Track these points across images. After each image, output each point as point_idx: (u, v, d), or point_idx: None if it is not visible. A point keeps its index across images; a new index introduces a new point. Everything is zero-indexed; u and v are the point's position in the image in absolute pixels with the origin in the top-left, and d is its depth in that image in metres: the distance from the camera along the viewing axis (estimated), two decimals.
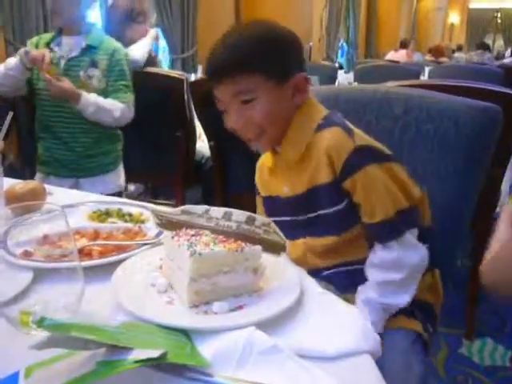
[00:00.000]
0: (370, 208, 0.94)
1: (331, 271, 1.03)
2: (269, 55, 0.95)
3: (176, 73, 2.72)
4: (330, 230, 0.99)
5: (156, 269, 0.84)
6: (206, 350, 0.62)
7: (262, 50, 0.95)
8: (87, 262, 0.84)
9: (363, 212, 0.95)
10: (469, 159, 1.16)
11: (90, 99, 2.08)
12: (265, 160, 1.09)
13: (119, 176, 2.35)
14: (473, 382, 1.89)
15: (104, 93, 2.14)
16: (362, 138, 0.96)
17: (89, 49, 2.12)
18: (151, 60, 2.77)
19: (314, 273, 0.94)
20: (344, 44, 9.92)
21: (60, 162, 2.19)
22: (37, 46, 2.12)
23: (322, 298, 0.78)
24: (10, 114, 1.17)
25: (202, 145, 2.73)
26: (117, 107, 2.13)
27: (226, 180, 2.54)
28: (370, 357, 0.66)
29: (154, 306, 0.72)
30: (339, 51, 9.57)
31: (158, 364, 0.55)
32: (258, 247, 0.77)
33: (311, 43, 6.95)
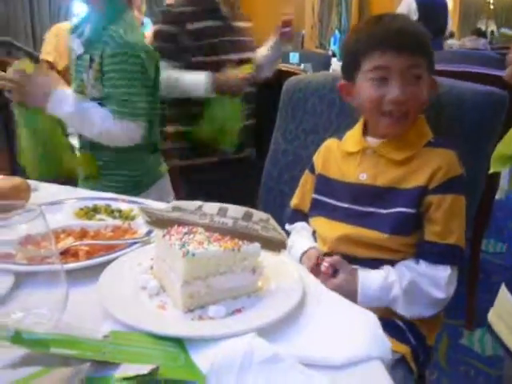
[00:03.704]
0: (447, 230, 0.98)
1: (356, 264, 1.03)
2: (431, 48, 1.06)
3: None
4: (383, 227, 1.00)
5: (147, 270, 0.78)
6: (202, 360, 0.57)
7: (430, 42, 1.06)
8: (71, 265, 0.78)
9: (435, 231, 0.99)
10: (474, 145, 1.12)
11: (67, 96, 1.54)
12: (340, 143, 1.13)
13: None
14: (475, 373, 1.85)
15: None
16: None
17: (89, 43, 1.59)
18: None
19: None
20: (336, 31, 9.81)
21: None
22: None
23: (326, 298, 0.72)
24: None
25: None
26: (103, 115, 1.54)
27: None
28: (381, 363, 0.61)
29: (144, 312, 0.67)
30: (332, 39, 9.45)
31: (149, 380, 0.50)
32: (257, 245, 0.71)
33: (303, 31, 6.86)
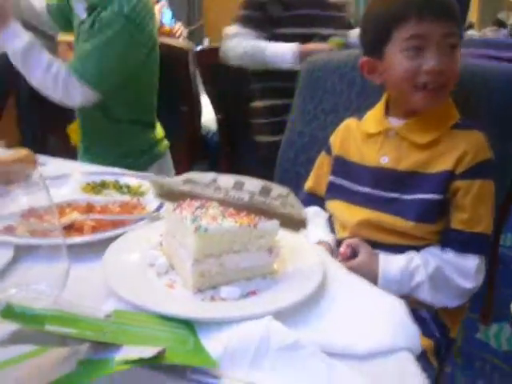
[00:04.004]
0: (475, 217, 0.93)
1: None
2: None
3: (181, 43, 2.58)
4: (407, 213, 0.94)
5: (156, 246, 0.72)
6: (213, 344, 0.52)
7: None
8: (75, 239, 0.73)
9: (462, 218, 0.93)
10: (502, 128, 1.05)
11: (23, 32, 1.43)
12: (360, 123, 1.07)
13: None
14: (491, 368, 1.79)
15: None
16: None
17: (92, 8, 1.52)
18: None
19: None
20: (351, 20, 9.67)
21: None
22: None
23: (349, 281, 0.67)
24: None
25: (208, 119, 2.61)
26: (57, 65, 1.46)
27: (234, 156, 2.42)
28: (410, 354, 0.55)
29: (151, 291, 0.61)
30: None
31: (153, 364, 0.44)
32: (275, 222, 0.65)
33: None
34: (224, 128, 2.38)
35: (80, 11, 1.55)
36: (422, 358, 0.92)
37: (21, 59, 1.44)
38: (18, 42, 1.41)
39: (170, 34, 2.80)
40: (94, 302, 0.61)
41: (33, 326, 0.43)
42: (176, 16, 4.88)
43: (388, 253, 0.96)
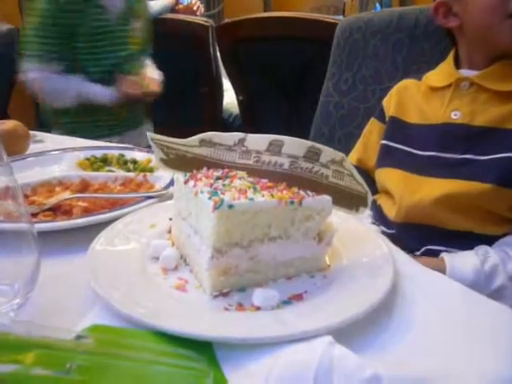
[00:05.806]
0: None
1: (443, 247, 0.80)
2: None
3: (200, 19, 2.42)
4: (484, 176, 0.79)
5: (163, 234, 0.55)
6: (245, 380, 0.33)
7: None
8: (58, 224, 0.56)
9: None
10: None
11: None
12: (420, 82, 0.94)
13: None
14: None
15: None
16: None
17: None
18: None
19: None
20: (377, 4, 9.48)
21: None
22: None
23: (429, 281, 0.47)
24: None
25: (230, 102, 2.45)
26: None
27: None
28: None
29: (152, 295, 0.43)
30: (373, 11, 9.15)
31: None
32: (326, 198, 0.47)
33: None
34: (246, 110, 2.20)
35: None
36: None
37: None
38: None
39: (187, 10, 2.64)
40: (73, 311, 0.43)
41: None
42: None
43: (455, 246, 0.78)
